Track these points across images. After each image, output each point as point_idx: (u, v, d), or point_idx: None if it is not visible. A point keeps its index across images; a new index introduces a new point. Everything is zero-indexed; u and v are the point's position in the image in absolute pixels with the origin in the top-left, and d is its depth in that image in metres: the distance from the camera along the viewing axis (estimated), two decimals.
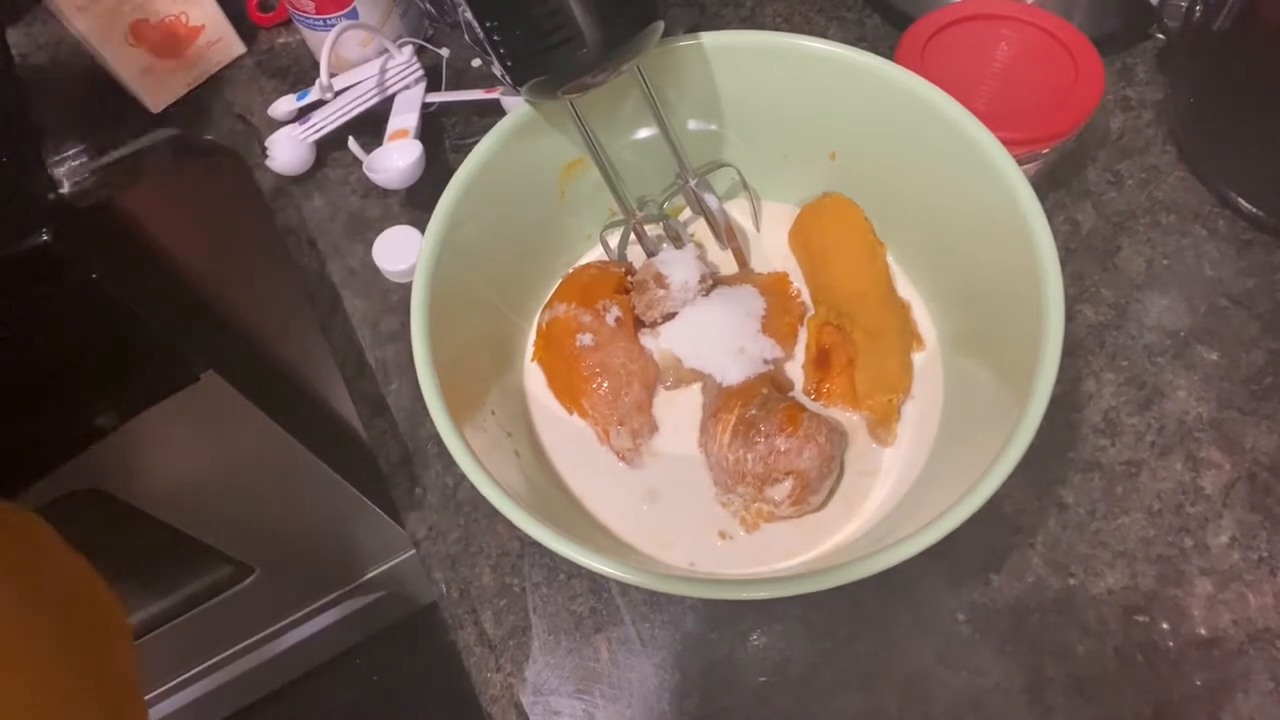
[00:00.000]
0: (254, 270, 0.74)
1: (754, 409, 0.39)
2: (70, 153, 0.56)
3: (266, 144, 0.52)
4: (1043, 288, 0.33)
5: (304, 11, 0.52)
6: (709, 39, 0.40)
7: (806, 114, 0.42)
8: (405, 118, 0.51)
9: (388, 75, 0.52)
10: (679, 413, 0.43)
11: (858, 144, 0.42)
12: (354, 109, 0.52)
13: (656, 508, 0.40)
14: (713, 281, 0.45)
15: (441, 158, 0.53)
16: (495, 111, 0.53)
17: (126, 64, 0.54)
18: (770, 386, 0.41)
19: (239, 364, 0.77)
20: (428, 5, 0.39)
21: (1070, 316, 0.45)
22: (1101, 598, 0.38)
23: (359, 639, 1.31)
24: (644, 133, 0.43)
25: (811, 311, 0.44)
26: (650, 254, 0.45)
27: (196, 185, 0.63)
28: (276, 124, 0.54)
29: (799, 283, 0.46)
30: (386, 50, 0.52)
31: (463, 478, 0.41)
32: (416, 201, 0.52)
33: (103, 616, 0.34)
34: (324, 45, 0.48)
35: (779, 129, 0.44)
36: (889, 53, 0.41)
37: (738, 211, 0.47)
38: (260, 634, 1.18)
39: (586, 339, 0.42)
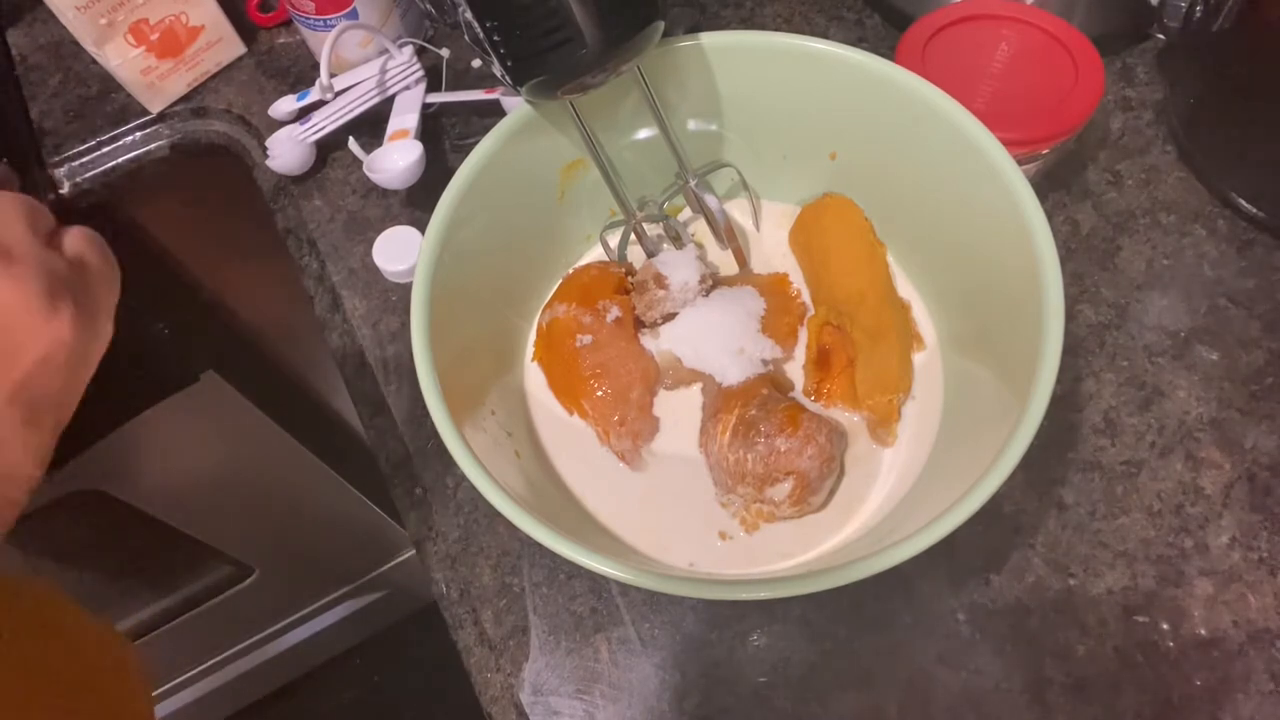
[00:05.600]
0: (254, 270, 0.74)
1: (754, 409, 0.39)
2: (70, 153, 0.56)
3: (267, 144, 0.52)
4: (1043, 288, 0.33)
5: (304, 12, 0.52)
6: (709, 39, 0.40)
7: (806, 114, 0.42)
8: (405, 118, 0.51)
9: (388, 75, 0.52)
10: (679, 413, 0.43)
11: (858, 144, 0.42)
12: (354, 109, 0.52)
13: (657, 508, 0.40)
14: (713, 282, 0.45)
15: (441, 158, 0.53)
16: (495, 111, 0.53)
17: (126, 64, 0.54)
18: (770, 387, 0.41)
19: (239, 364, 0.77)
20: (428, 5, 0.39)
21: (1070, 316, 0.45)
22: (1101, 598, 0.38)
23: (359, 639, 1.31)
24: (644, 133, 0.43)
25: (811, 312, 0.44)
26: (650, 254, 0.45)
27: (196, 185, 0.63)
28: (276, 124, 0.54)
29: (799, 283, 0.46)
30: (386, 50, 0.52)
31: (463, 478, 0.41)
32: (416, 201, 0.52)
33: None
34: (324, 45, 0.48)
35: (779, 129, 0.44)
36: (889, 53, 0.41)
37: (738, 211, 0.47)
38: (260, 634, 1.18)
39: (586, 339, 0.42)
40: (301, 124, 0.52)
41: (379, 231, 0.49)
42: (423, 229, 0.38)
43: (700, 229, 0.48)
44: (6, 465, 0.29)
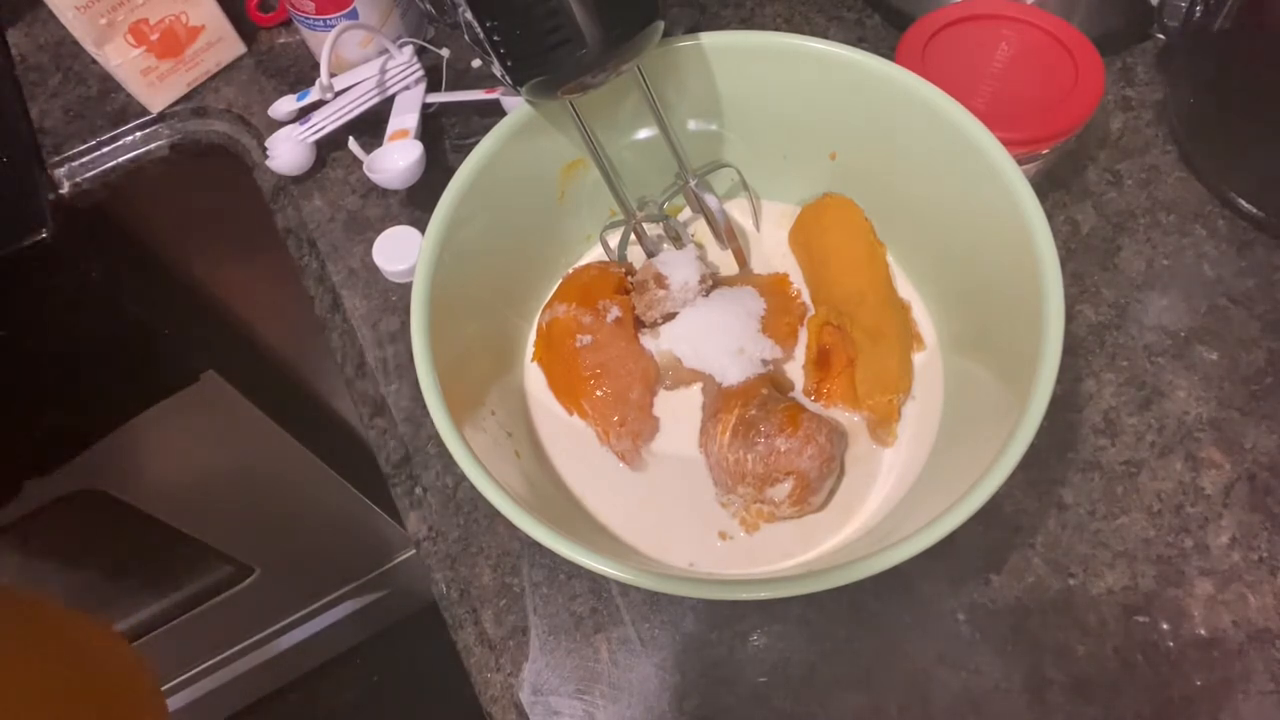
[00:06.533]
0: (254, 270, 0.74)
1: (754, 409, 0.39)
2: (70, 153, 0.56)
3: (266, 144, 0.52)
4: (1043, 288, 0.33)
5: (304, 11, 0.52)
6: (709, 39, 0.40)
7: (806, 114, 0.42)
8: (405, 118, 0.51)
9: (388, 75, 0.52)
10: (679, 413, 0.43)
11: (858, 144, 0.42)
12: (354, 109, 0.52)
13: (656, 508, 0.40)
14: (713, 282, 0.45)
15: (441, 158, 0.53)
16: (495, 111, 0.53)
17: (126, 64, 0.54)
18: (770, 387, 0.41)
19: (239, 364, 0.77)
20: (428, 5, 0.39)
21: (1070, 316, 0.45)
22: (1101, 598, 0.38)
23: (359, 639, 1.31)
24: (644, 133, 0.43)
25: (811, 312, 0.44)
26: (650, 254, 0.45)
27: (196, 185, 0.63)
28: (276, 124, 0.54)
29: (799, 283, 0.46)
30: (386, 50, 0.52)
31: (463, 478, 0.41)
32: (416, 201, 0.52)
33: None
34: (324, 45, 0.48)
35: (779, 129, 0.44)
36: (889, 53, 0.41)
37: (738, 211, 0.47)
38: (260, 634, 1.18)
39: (586, 339, 0.42)
40: (301, 124, 0.52)
41: (379, 231, 0.49)
42: (423, 229, 0.38)
43: (700, 229, 0.48)
44: None
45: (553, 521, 0.32)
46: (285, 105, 0.54)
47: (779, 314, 0.44)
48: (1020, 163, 0.36)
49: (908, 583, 0.39)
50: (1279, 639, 0.37)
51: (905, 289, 0.44)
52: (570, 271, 0.46)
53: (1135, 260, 0.46)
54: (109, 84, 0.58)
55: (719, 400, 0.41)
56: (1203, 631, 0.37)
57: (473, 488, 0.32)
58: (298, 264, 0.52)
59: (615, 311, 0.43)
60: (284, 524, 1.00)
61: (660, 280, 0.43)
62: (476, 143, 0.39)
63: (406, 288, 0.49)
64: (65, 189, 0.57)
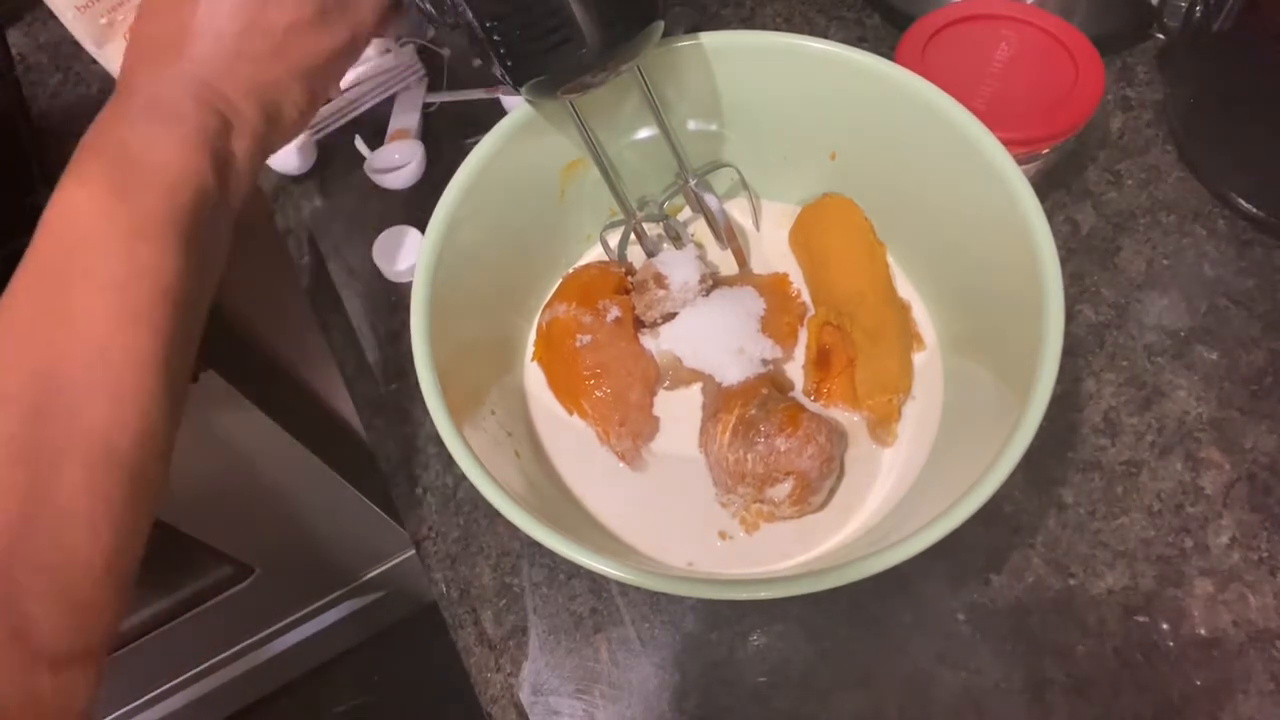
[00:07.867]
0: (254, 270, 0.74)
1: (754, 409, 0.39)
2: (70, 153, 0.56)
3: None
4: (1043, 288, 0.33)
5: None
6: (709, 39, 0.40)
7: (806, 114, 0.42)
8: (405, 118, 0.51)
9: (388, 75, 0.52)
10: (679, 413, 0.43)
11: (858, 144, 0.42)
12: (355, 109, 0.52)
13: (656, 508, 0.40)
14: (713, 282, 0.45)
15: (441, 158, 0.53)
16: (495, 111, 0.53)
17: None
18: (770, 387, 0.41)
19: (239, 364, 0.77)
20: (428, 5, 0.39)
21: (1070, 316, 0.45)
22: (1101, 598, 0.38)
23: (359, 639, 1.31)
24: (644, 133, 0.43)
25: (811, 311, 0.44)
26: (650, 254, 0.45)
27: None
28: None
29: (799, 283, 0.46)
30: (387, 50, 0.52)
31: (463, 478, 0.41)
32: (416, 201, 0.52)
33: None
34: None
35: (779, 129, 0.44)
36: (889, 53, 0.41)
37: (738, 211, 0.47)
38: (260, 634, 1.18)
39: (586, 339, 0.42)
40: None
41: (379, 231, 0.49)
42: (423, 229, 0.38)
43: (700, 229, 0.48)
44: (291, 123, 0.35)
45: (553, 521, 0.32)
46: None
47: (779, 314, 0.44)
48: (1020, 163, 0.36)
49: (908, 583, 0.39)
50: (1279, 639, 0.37)
51: (905, 289, 0.44)
52: (570, 271, 0.46)
53: (1135, 260, 0.46)
54: (109, 84, 0.58)
55: (719, 400, 0.41)
56: (1203, 631, 0.37)
57: (473, 488, 0.32)
58: (297, 264, 0.52)
59: (615, 311, 0.43)
60: (284, 524, 1.00)
61: (660, 280, 0.43)
62: (476, 143, 0.39)
63: (406, 288, 0.49)
64: None
